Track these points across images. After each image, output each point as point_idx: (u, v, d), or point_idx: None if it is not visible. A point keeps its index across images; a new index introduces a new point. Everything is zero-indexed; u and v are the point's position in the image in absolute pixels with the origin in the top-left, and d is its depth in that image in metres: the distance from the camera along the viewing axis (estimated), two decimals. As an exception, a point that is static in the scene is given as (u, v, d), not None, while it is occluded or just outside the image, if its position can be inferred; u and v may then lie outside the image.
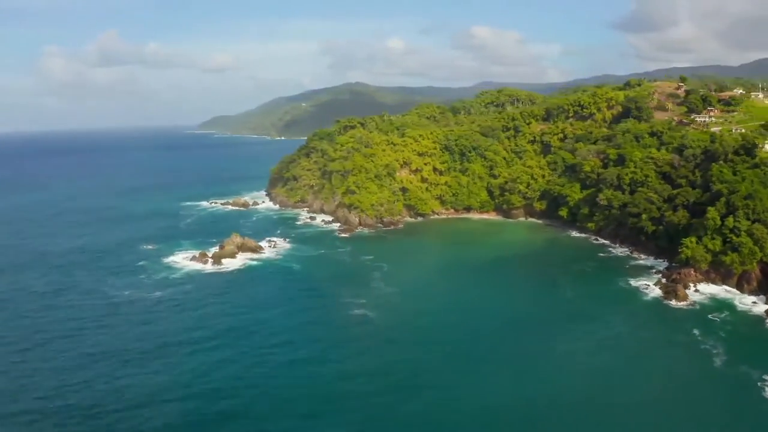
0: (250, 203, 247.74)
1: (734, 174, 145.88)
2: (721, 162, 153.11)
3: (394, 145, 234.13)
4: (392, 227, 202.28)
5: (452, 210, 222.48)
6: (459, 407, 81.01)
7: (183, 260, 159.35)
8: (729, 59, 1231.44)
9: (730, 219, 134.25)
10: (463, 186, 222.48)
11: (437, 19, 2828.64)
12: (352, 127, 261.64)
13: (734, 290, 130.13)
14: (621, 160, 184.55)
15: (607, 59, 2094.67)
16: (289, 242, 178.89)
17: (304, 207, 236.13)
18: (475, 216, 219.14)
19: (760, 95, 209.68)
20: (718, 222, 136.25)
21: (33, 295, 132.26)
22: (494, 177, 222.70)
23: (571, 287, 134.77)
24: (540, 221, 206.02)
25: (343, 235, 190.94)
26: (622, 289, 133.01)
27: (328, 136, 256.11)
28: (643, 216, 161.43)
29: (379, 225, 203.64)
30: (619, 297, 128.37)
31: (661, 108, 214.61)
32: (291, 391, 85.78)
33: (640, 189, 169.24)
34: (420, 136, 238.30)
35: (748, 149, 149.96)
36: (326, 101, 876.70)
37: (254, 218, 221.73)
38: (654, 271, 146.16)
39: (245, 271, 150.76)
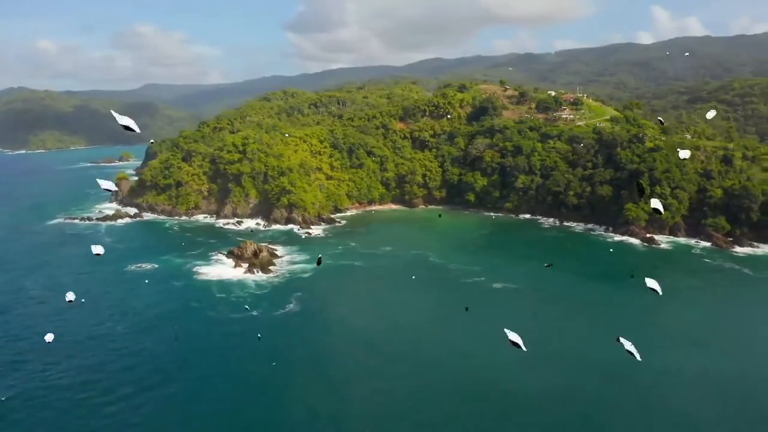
0: (132, 214, 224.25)
1: (639, 157, 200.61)
2: (619, 149, 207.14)
3: (287, 144, 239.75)
4: (336, 223, 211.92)
5: (357, 204, 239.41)
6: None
7: (228, 273, 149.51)
8: (393, 59, 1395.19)
9: (658, 187, 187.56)
10: (364, 180, 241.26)
11: (97, 17, 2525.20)
12: (221, 129, 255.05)
13: (673, 237, 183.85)
14: (518, 151, 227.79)
15: (273, 60, 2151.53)
16: (283, 247, 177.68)
17: (202, 213, 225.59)
18: (381, 207, 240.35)
19: (584, 96, 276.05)
20: (648, 191, 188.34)
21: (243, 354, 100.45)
22: (385, 171, 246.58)
23: (581, 252, 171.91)
24: (441, 207, 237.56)
25: (322, 233, 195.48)
26: (616, 245, 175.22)
27: (203, 139, 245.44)
28: (570, 193, 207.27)
29: (321, 222, 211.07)
30: (624, 251, 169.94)
31: (504, 107, 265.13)
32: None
33: (554, 172, 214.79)
34: (307, 135, 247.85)
35: (639, 138, 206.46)
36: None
37: (175, 228, 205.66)
38: (600, 231, 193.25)
39: (331, 272, 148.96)
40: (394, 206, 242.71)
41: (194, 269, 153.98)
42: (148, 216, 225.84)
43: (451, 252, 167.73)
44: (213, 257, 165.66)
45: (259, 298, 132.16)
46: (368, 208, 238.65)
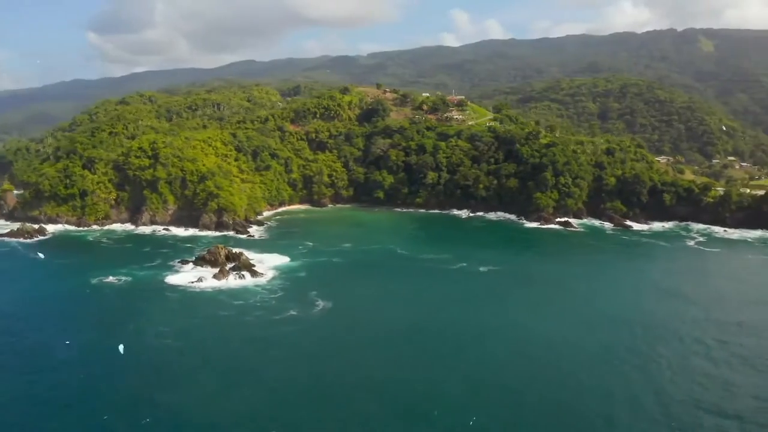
0: (36, 228, 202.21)
1: (537, 152, 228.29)
2: (518, 145, 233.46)
3: (195, 148, 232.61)
4: (267, 225, 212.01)
5: (269, 206, 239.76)
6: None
7: (219, 281, 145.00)
8: (203, 62, 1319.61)
9: (562, 178, 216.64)
10: (273, 182, 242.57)
11: None
12: (116, 134, 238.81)
13: (578, 219, 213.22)
14: (422, 149, 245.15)
15: (73, 63, 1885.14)
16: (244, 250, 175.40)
17: (114, 223, 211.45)
18: (291, 207, 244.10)
19: (464, 98, 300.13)
20: (553, 181, 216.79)
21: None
22: (290, 172, 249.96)
23: (510, 238, 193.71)
24: (349, 205, 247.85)
25: (265, 235, 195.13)
26: (534, 230, 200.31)
27: (101, 144, 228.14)
28: (480, 186, 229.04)
29: (252, 225, 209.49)
30: (541, 236, 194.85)
31: (390, 109, 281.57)
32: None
33: (460, 168, 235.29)
34: (210, 138, 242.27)
35: (534, 135, 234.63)
36: None
37: (104, 240, 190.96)
38: (515, 219, 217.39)
39: (322, 269, 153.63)
40: (302, 206, 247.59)
41: (170, 281, 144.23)
42: (56, 229, 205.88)
43: (411, 244, 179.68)
44: (176, 266, 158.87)
45: (281, 300, 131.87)
46: (279, 209, 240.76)
